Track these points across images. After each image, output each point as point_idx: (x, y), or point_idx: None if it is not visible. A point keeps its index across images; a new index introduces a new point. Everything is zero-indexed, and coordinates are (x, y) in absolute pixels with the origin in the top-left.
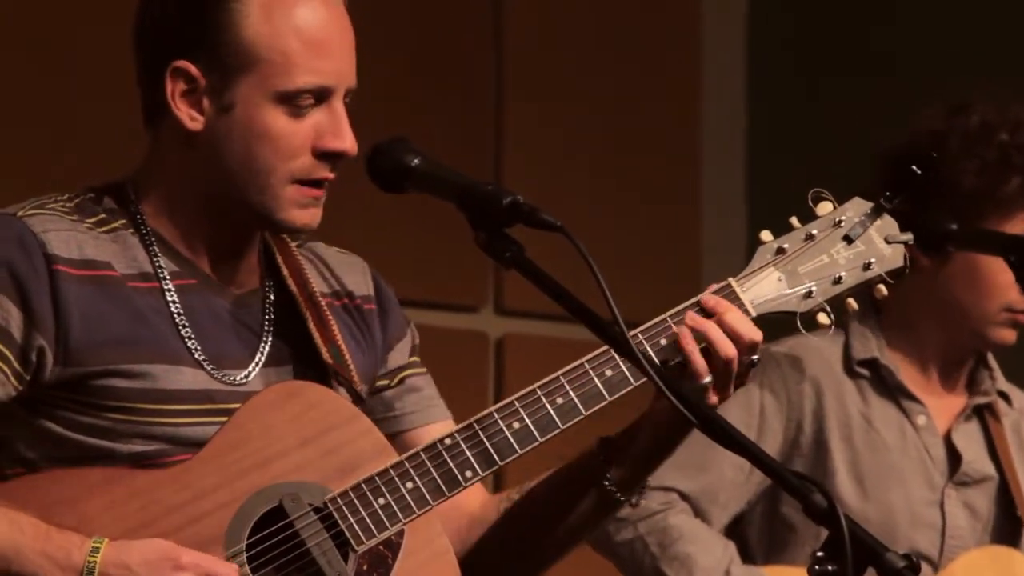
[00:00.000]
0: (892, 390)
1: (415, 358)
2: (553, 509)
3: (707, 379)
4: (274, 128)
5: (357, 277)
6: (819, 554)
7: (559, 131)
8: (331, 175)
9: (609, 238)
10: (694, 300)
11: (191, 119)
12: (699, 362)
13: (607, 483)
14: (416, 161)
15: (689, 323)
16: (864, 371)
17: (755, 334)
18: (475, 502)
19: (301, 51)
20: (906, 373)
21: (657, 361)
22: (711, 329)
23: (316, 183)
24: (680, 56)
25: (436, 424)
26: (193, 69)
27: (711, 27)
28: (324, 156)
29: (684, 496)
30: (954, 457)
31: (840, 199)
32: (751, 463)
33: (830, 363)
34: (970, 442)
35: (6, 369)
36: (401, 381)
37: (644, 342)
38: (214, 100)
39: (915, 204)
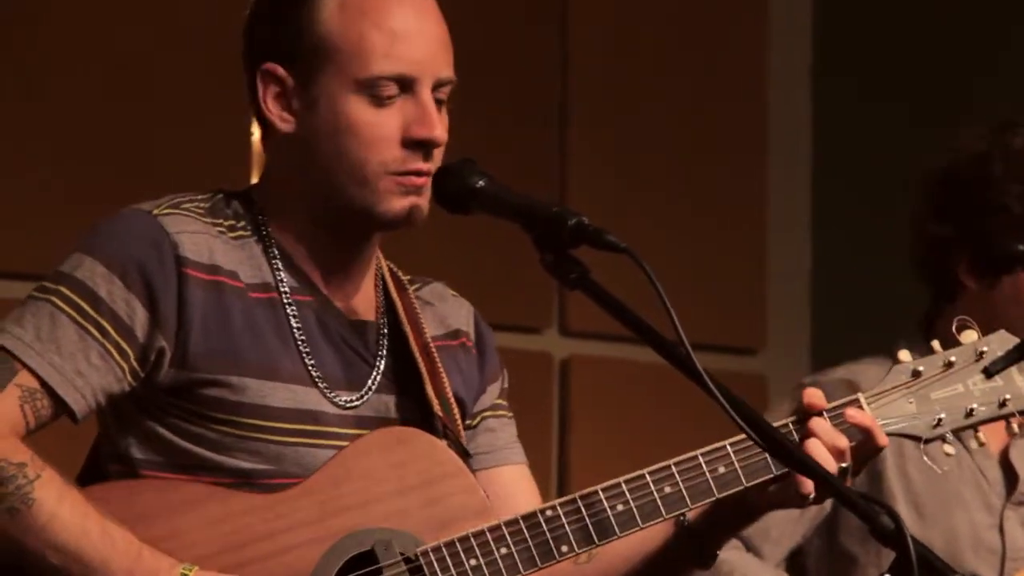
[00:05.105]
0: None
1: (500, 400)
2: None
3: None
4: (358, 119)
5: (461, 318)
6: None
7: (624, 153)
8: (425, 165)
9: (674, 260)
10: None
11: (282, 120)
12: None
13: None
14: (482, 183)
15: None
16: None
17: (839, 441)
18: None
19: (376, 38)
20: None
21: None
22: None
23: (413, 173)
24: (746, 78)
25: (507, 467)
26: (280, 70)
27: (778, 49)
28: (413, 145)
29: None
30: (1011, 477)
31: (902, 225)
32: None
33: None
34: (1023, 457)
35: (124, 365)
36: (480, 423)
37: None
38: (301, 98)
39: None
